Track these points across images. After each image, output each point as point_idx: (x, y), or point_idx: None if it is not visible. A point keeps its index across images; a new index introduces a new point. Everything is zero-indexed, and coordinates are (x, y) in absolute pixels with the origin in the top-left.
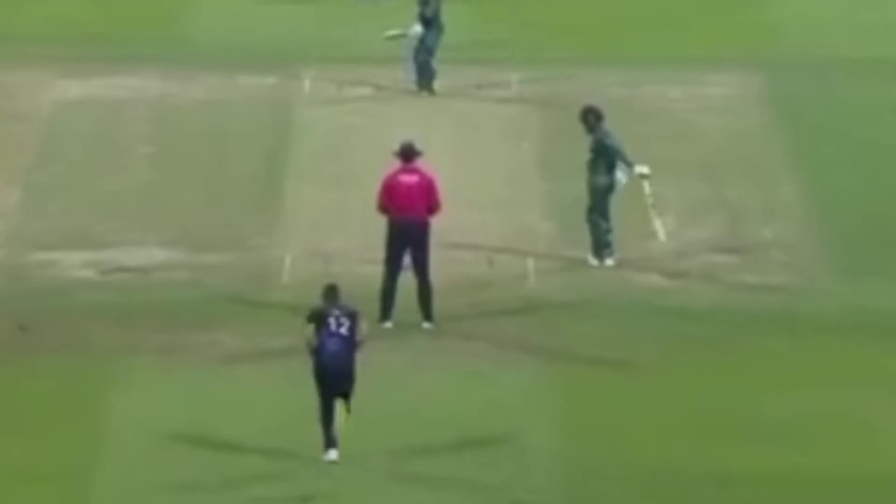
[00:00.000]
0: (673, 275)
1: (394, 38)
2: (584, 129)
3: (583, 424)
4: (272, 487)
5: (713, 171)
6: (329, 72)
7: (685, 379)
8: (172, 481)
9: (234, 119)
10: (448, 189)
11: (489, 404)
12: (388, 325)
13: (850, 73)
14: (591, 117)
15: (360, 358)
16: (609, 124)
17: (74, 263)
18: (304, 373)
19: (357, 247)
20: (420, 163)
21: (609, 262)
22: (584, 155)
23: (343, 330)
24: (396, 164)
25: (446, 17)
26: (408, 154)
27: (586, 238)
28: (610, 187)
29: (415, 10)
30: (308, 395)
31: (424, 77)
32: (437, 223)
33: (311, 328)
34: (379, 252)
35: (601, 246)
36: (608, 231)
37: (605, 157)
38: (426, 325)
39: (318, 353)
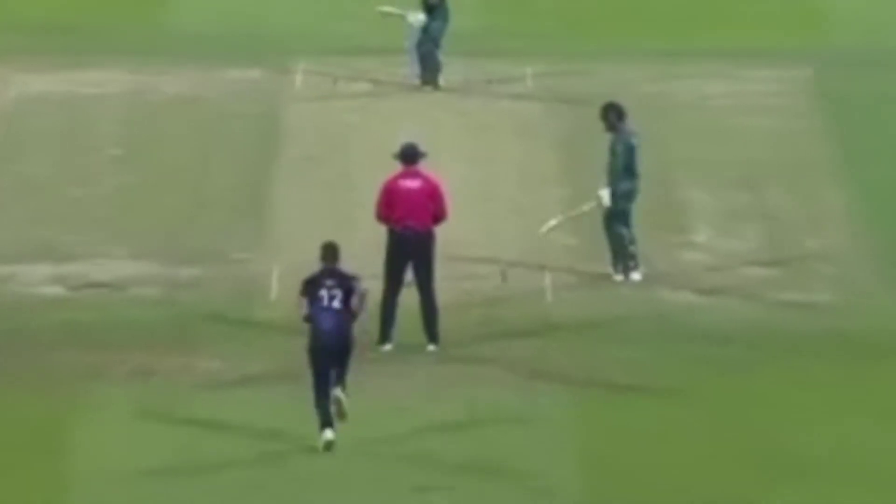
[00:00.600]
0: (706, 291)
1: (388, 15)
2: (603, 128)
3: (606, 459)
4: None
5: (753, 176)
6: (322, 65)
7: (718, 407)
8: None
9: (215, 117)
10: (455, 195)
11: (501, 438)
12: (388, 347)
13: None
14: (611, 115)
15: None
16: (636, 124)
17: (37, 278)
18: (293, 401)
19: (353, 260)
20: (423, 166)
21: (635, 276)
22: (605, 157)
23: (336, 303)
24: (397, 167)
25: (453, 2)
26: (410, 156)
27: (608, 250)
28: (632, 193)
29: None
30: (301, 425)
31: (428, 70)
32: (442, 233)
33: (305, 302)
34: (378, 266)
35: (625, 258)
36: (632, 242)
37: (626, 160)
38: (431, 347)
39: (311, 329)
